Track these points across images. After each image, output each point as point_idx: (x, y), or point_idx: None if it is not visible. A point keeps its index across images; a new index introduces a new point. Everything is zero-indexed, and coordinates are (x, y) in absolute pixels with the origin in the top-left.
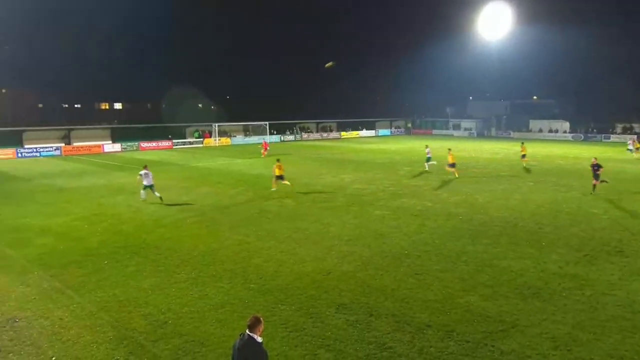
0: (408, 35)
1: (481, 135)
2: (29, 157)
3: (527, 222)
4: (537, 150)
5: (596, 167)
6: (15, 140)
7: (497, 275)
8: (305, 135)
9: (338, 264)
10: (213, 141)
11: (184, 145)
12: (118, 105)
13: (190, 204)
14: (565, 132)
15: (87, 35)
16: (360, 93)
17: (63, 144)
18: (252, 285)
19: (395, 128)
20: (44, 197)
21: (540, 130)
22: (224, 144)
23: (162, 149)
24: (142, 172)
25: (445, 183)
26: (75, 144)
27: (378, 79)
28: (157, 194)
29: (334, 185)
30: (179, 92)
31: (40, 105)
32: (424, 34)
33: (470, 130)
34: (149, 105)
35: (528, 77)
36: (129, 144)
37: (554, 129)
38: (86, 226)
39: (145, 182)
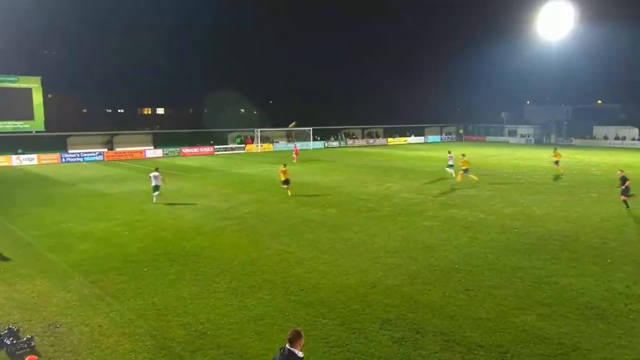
0: (460, 35)
1: (539, 143)
2: (73, 162)
3: (589, 237)
4: (602, 159)
5: (622, 181)
6: (60, 145)
7: (556, 294)
8: (350, 142)
9: (383, 277)
10: (255, 147)
11: (225, 151)
12: (160, 111)
13: (231, 212)
14: (633, 139)
15: (131, 40)
16: (408, 97)
17: (106, 149)
18: (292, 297)
19: (446, 134)
20: (86, 202)
21: (606, 138)
22: (266, 150)
23: (204, 154)
24: (153, 174)
25: (499, 193)
26: (117, 149)
27: (428, 82)
28: (155, 194)
29: (380, 194)
30: (221, 97)
31: (85, 110)
32: (477, 34)
33: (528, 137)
34: (191, 110)
35: (591, 80)
36: (170, 149)
37: (620, 135)
38: (127, 232)
39: (153, 183)
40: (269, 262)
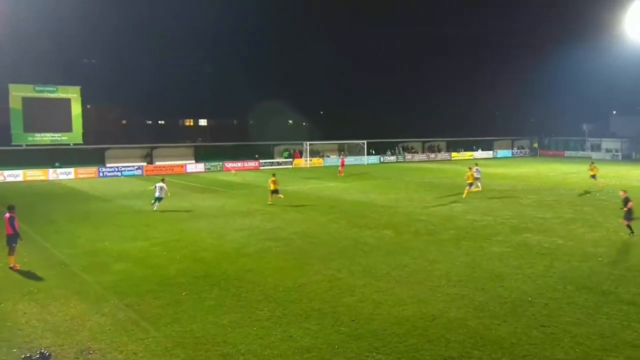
0: (536, 38)
1: (628, 158)
2: (111, 176)
3: None
4: None
5: (625, 202)
6: (98, 158)
7: None
8: (409, 156)
9: (445, 309)
10: (304, 162)
11: (271, 165)
12: (203, 122)
13: (276, 232)
14: None
15: (173, 48)
16: (476, 107)
17: (145, 163)
18: (342, 329)
19: (518, 149)
20: (122, 220)
21: None
22: (316, 164)
23: (248, 169)
24: (159, 184)
25: (580, 215)
26: (157, 163)
27: (498, 90)
28: (156, 205)
29: (442, 215)
30: (267, 108)
31: (124, 122)
32: (555, 37)
33: (614, 151)
34: (235, 121)
35: None
36: (213, 163)
37: None
38: (165, 252)
39: (156, 194)
40: (317, 288)
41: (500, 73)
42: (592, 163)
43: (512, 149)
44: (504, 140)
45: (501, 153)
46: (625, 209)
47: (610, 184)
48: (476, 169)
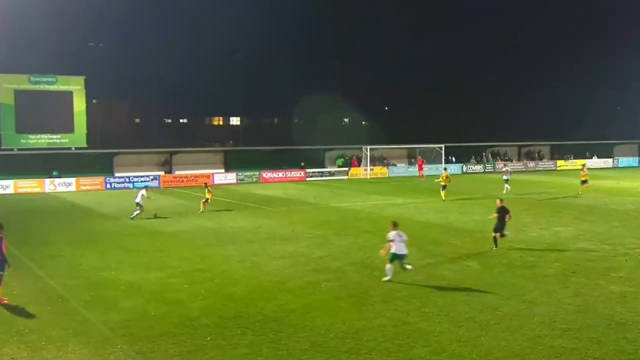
0: None
1: None
2: (120, 188)
3: None
4: None
5: (502, 211)
6: (105, 165)
7: None
8: (499, 165)
9: None
10: (363, 171)
11: (321, 176)
12: (235, 121)
13: (327, 262)
14: None
15: (198, 30)
16: (589, 101)
17: (162, 172)
18: None
19: None
20: (134, 243)
21: None
22: (379, 175)
23: (292, 180)
24: (142, 192)
25: None
26: (177, 173)
27: (619, 79)
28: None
29: (544, 242)
30: (316, 103)
31: (138, 120)
32: None
33: None
34: (275, 120)
35: None
36: (247, 173)
37: None
38: (186, 286)
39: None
40: (379, 335)
41: (623, 55)
42: (584, 166)
43: (639, 156)
44: (628, 144)
45: (624, 161)
46: (505, 219)
47: None
48: (505, 170)
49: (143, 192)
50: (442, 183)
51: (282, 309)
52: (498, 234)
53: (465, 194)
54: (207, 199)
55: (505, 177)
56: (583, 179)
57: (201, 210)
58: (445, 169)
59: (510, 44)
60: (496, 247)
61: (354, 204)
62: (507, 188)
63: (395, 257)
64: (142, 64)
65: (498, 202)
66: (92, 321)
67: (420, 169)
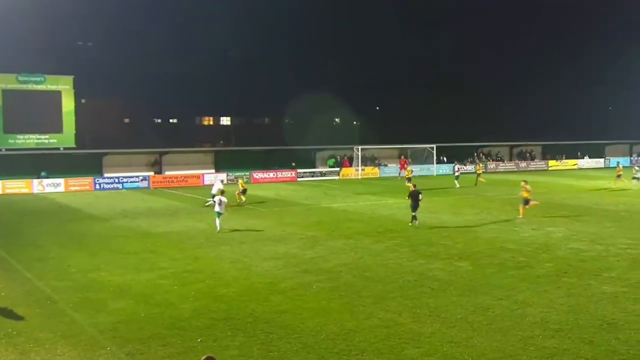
0: None
1: None
2: (109, 189)
3: None
4: None
5: (415, 194)
6: (94, 166)
7: None
8: (491, 165)
9: None
10: (354, 171)
11: (312, 176)
12: (225, 121)
13: (318, 263)
14: None
15: (189, 29)
16: (580, 101)
17: (152, 173)
18: None
19: (639, 155)
20: (123, 244)
21: None
22: (370, 175)
23: (283, 180)
24: (218, 184)
25: None
26: (167, 173)
27: (611, 77)
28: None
29: (536, 243)
30: (307, 103)
31: (127, 120)
32: None
33: None
34: (266, 120)
35: None
36: (237, 173)
37: None
38: (176, 287)
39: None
40: (371, 337)
41: (615, 55)
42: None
43: (631, 156)
44: (620, 144)
45: (615, 161)
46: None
47: None
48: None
49: (220, 185)
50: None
51: (274, 310)
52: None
53: (458, 194)
54: (244, 189)
55: (456, 174)
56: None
57: (242, 201)
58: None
59: (503, 44)
60: (413, 223)
61: (346, 205)
62: (456, 184)
63: None
64: (131, 63)
65: (412, 186)
66: (81, 323)
67: (402, 168)
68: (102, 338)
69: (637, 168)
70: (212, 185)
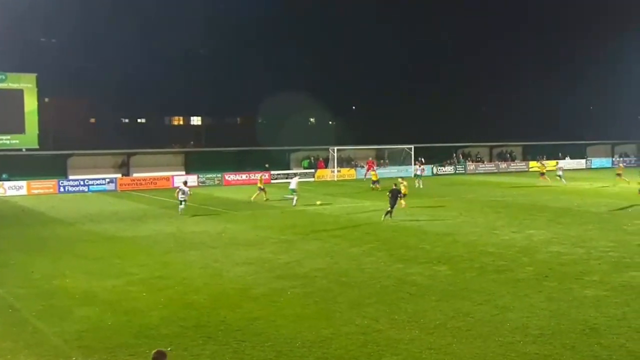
0: None
1: None
2: (75, 191)
3: None
4: None
5: (394, 192)
6: (58, 168)
7: None
8: (471, 166)
9: None
10: (330, 173)
11: (287, 178)
12: (196, 120)
13: (293, 268)
14: None
15: (158, 24)
16: (561, 100)
17: (119, 175)
18: None
19: (621, 156)
20: (89, 250)
21: None
22: (346, 177)
23: (256, 182)
24: (296, 178)
25: None
26: (135, 175)
27: (592, 77)
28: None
29: (517, 246)
30: (281, 102)
31: (93, 120)
32: None
33: None
34: (239, 119)
35: None
36: (208, 175)
37: None
38: (144, 294)
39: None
40: (348, 344)
41: (596, 54)
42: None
43: (613, 157)
44: (601, 144)
45: (597, 162)
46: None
47: None
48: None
49: (297, 178)
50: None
51: (246, 317)
52: (391, 210)
53: (436, 197)
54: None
55: (418, 173)
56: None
57: (265, 199)
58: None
59: (482, 44)
60: (388, 217)
61: (321, 207)
62: (419, 183)
63: None
64: (97, 60)
65: (393, 185)
66: (45, 332)
67: (370, 168)
68: (67, 347)
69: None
70: (290, 181)
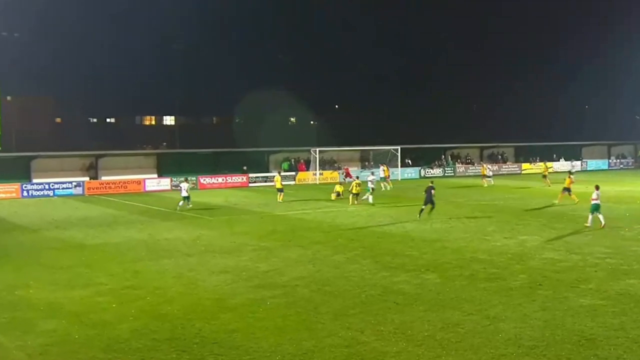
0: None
1: None
2: (39, 196)
3: None
4: None
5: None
6: (21, 171)
7: None
8: (460, 169)
9: None
10: (312, 176)
11: (266, 181)
12: (169, 120)
13: (273, 276)
14: None
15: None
16: (555, 100)
17: (87, 178)
18: None
19: (617, 158)
20: (54, 258)
21: None
22: (329, 180)
23: (233, 186)
24: (372, 177)
25: None
26: (104, 178)
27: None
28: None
29: (509, 253)
30: (260, 100)
31: (59, 120)
32: None
33: None
34: (214, 119)
35: None
36: (182, 178)
37: None
38: (114, 305)
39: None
40: (331, 357)
41: (591, 52)
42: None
43: (609, 159)
44: (597, 145)
45: (593, 164)
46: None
47: None
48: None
49: (373, 177)
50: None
51: (223, 329)
52: (428, 206)
53: (422, 200)
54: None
55: (382, 176)
56: (543, 173)
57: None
58: (372, 172)
59: (473, 40)
60: (421, 215)
61: (303, 212)
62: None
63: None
64: (63, 56)
65: (430, 182)
66: (7, 346)
67: (348, 176)
68: None
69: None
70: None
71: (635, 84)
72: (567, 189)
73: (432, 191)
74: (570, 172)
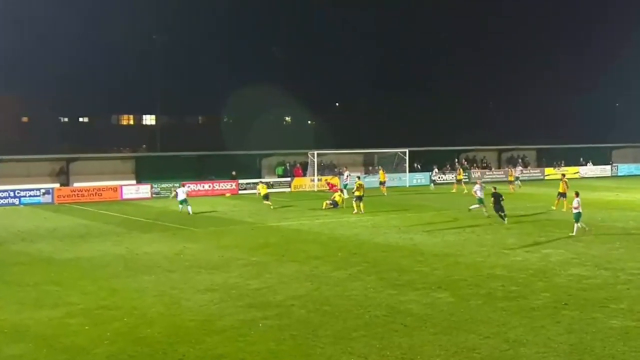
0: None
1: None
2: (3, 204)
3: None
4: None
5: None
6: None
7: None
8: (476, 173)
9: None
10: (309, 181)
11: (257, 188)
12: (149, 120)
13: (265, 295)
14: None
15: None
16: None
17: (57, 185)
18: None
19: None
20: (20, 274)
21: None
22: (327, 187)
23: (221, 193)
24: (477, 186)
25: None
26: (76, 185)
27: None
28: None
29: (531, 268)
30: (251, 98)
31: (25, 119)
32: None
33: None
34: (200, 119)
35: None
36: (164, 185)
37: None
38: (87, 327)
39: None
40: None
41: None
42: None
43: None
44: (629, 147)
45: (624, 168)
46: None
47: None
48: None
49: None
50: (357, 193)
51: (209, 354)
52: (500, 213)
53: (433, 210)
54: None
55: (345, 182)
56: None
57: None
58: (358, 177)
59: (487, 31)
60: (503, 220)
61: (299, 223)
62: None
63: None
64: (32, 49)
65: (493, 188)
66: None
67: (331, 189)
68: None
69: None
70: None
71: None
72: (562, 194)
73: (501, 197)
74: (563, 175)
